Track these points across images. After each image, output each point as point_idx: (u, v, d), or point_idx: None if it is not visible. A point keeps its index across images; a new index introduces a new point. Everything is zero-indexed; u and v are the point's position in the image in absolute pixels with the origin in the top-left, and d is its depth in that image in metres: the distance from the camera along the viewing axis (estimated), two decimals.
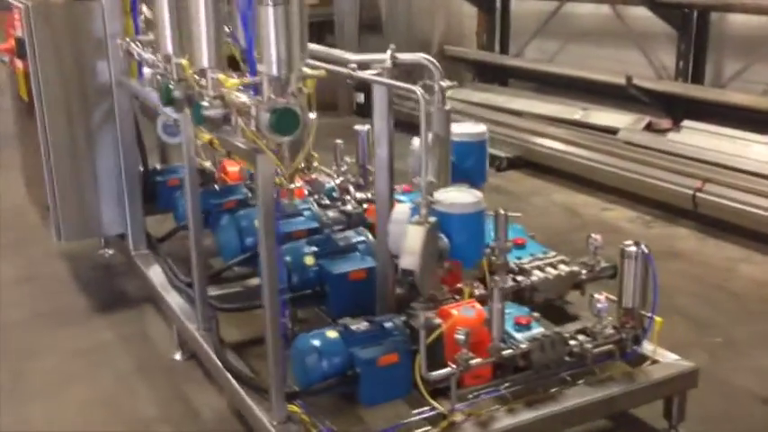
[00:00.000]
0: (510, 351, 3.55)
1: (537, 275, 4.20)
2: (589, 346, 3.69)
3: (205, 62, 3.14)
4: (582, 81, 9.04)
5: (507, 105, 9.49)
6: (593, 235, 4.49)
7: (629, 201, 7.31)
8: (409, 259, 3.08)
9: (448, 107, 3.70)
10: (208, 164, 5.76)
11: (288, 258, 4.13)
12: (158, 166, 6.07)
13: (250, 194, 5.44)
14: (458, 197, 3.37)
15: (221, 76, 3.08)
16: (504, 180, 8.18)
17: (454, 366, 3.37)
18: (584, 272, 4.36)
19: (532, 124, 8.65)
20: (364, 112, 10.93)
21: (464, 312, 3.47)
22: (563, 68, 9.44)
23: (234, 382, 3.74)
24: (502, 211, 4.04)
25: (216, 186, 5.45)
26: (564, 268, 4.28)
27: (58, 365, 4.64)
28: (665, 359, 3.87)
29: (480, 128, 4.10)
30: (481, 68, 10.86)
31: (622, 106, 8.54)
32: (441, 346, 3.47)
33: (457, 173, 3.99)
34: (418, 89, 3.19)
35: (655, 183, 6.99)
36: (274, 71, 2.85)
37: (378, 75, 3.60)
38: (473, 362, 3.42)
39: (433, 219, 3.21)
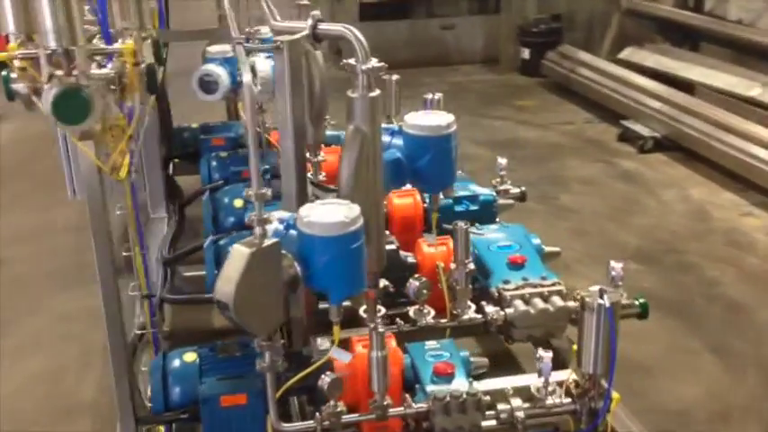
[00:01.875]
0: (400, 410, 2.81)
1: (516, 308, 3.37)
2: (521, 414, 2.86)
3: (10, 26, 2.61)
4: None
5: (679, 73, 8.15)
6: (612, 262, 3.53)
7: None
8: (223, 289, 2.44)
9: (374, 94, 2.94)
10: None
11: (210, 255, 3.63)
12: (211, 123, 5.68)
13: None
14: (322, 214, 2.64)
15: (11, 45, 2.55)
16: (642, 164, 7.01)
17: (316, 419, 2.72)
18: None
19: (689, 99, 7.30)
20: (530, 69, 9.93)
21: (336, 354, 2.77)
22: (751, 34, 7.89)
23: None
24: (462, 225, 3.29)
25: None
26: (556, 302, 3.39)
27: (35, 332, 4.50)
28: None
29: (444, 118, 3.27)
30: (670, 28, 9.41)
31: None
32: None
33: (405, 175, 3.25)
34: (246, 76, 2.48)
35: None
36: (51, 43, 2.29)
37: (275, 48, 2.91)
38: (346, 417, 2.75)
39: (271, 240, 2.53)
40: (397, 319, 3.38)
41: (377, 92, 2.95)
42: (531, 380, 3.06)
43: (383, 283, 3.37)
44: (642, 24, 9.76)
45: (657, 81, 7.99)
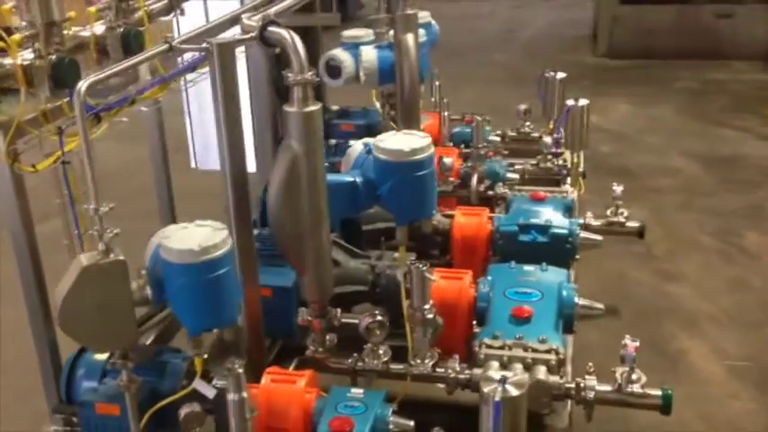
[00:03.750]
0: None
1: (486, 370, 2.89)
2: None
3: None
4: None
5: None
6: (628, 339, 2.91)
7: None
8: (55, 297, 2.37)
9: (311, 108, 2.64)
10: None
11: None
12: (350, 108, 5.49)
13: None
14: (181, 238, 2.42)
15: None
16: None
17: None
18: (599, 389, 2.91)
19: None
20: None
21: (200, 387, 2.57)
22: None
23: None
24: (420, 267, 2.87)
25: None
26: (537, 374, 2.87)
27: None
28: None
29: (418, 141, 2.85)
30: None
31: None
32: None
33: (362, 201, 2.92)
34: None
35: None
36: None
37: (205, 50, 2.68)
38: None
39: (116, 258, 2.37)
40: (355, 355, 3.08)
41: (316, 106, 2.67)
42: None
43: (336, 311, 3.12)
44: None
45: None
